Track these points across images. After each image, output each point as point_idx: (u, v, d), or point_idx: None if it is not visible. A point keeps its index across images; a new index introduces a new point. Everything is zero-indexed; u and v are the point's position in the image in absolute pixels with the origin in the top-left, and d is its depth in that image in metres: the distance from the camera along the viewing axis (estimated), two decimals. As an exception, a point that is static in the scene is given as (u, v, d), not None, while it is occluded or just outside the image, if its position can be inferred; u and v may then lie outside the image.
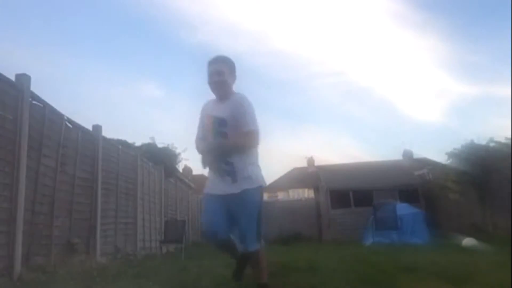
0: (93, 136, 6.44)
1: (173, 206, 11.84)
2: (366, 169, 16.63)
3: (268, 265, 2.92)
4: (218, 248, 2.87)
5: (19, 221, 4.17)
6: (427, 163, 17.07)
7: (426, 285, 3.58)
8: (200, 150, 2.71)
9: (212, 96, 2.81)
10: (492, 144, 11.21)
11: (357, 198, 15.45)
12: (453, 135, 38.51)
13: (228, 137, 2.59)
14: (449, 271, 4.17)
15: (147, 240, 8.91)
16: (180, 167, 15.40)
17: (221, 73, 2.67)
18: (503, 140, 10.72)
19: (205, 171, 2.78)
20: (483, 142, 11.44)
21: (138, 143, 11.76)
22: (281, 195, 20.04)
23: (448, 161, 12.55)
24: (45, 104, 4.97)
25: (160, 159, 10.84)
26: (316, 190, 17.06)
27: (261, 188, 2.68)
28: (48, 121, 5.00)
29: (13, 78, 4.45)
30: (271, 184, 29.34)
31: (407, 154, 20.14)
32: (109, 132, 7.38)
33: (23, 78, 4.52)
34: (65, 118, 5.46)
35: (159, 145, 11.99)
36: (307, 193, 17.78)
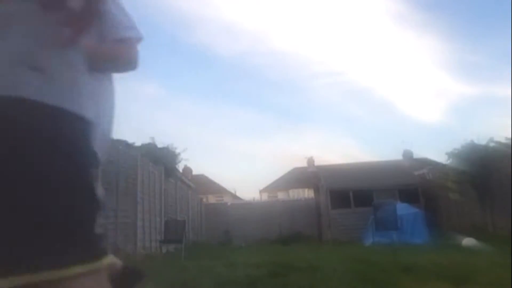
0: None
1: (173, 206, 11.84)
2: (366, 169, 16.63)
3: (268, 265, 2.93)
4: None
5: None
6: (427, 163, 17.09)
7: (426, 285, 3.58)
8: None
9: None
10: (492, 144, 11.22)
11: (357, 198, 15.46)
12: (453, 135, 38.54)
13: None
14: (449, 271, 4.17)
15: (147, 240, 8.91)
16: (180, 167, 15.41)
17: None
18: (503, 140, 10.73)
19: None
20: (483, 142, 11.46)
21: (138, 143, 11.75)
22: (281, 195, 20.07)
23: (448, 161, 12.55)
24: (45, 104, 4.97)
25: (160, 159, 10.85)
26: (316, 190, 17.07)
27: None
28: (48, 121, 5.01)
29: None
30: (271, 184, 29.42)
31: (407, 154, 20.15)
32: (109, 132, 7.39)
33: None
34: (65, 118, 5.46)
35: (159, 145, 12.00)
36: (307, 193, 17.80)
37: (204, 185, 25.67)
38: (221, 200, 25.38)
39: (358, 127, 39.36)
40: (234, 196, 28.55)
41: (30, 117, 0.58)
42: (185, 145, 11.61)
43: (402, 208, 11.80)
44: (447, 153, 12.39)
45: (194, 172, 26.02)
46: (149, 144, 11.79)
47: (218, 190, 28.50)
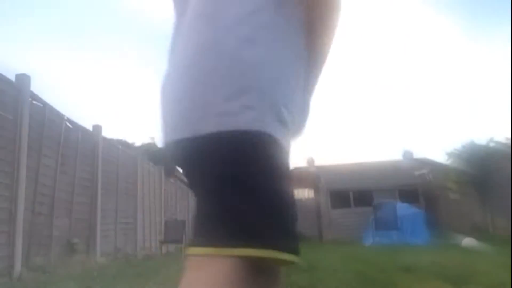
0: (93, 136, 6.44)
1: (173, 206, 11.84)
2: (366, 169, 16.63)
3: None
4: None
5: (19, 221, 4.17)
6: (427, 163, 17.07)
7: (426, 285, 3.58)
8: None
9: None
10: (492, 144, 11.23)
11: (357, 198, 15.47)
12: (453, 135, 38.54)
13: None
14: (449, 271, 4.17)
15: (147, 240, 8.91)
16: (180, 167, 15.38)
17: None
18: (503, 140, 10.74)
19: None
20: (483, 142, 11.47)
21: (138, 143, 11.78)
22: (281, 195, 20.01)
23: (448, 161, 12.56)
24: (45, 104, 4.97)
25: (160, 159, 10.86)
26: (316, 190, 17.06)
27: None
28: (48, 121, 5.00)
29: (13, 78, 4.45)
30: (271, 184, 29.33)
31: (407, 154, 20.15)
32: (109, 132, 7.40)
33: (23, 78, 4.53)
34: (65, 118, 5.46)
35: (159, 145, 12.00)
36: (307, 193, 17.78)
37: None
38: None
39: (358, 127, 39.36)
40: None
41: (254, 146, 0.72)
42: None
43: (402, 208, 11.81)
44: (447, 153, 12.42)
45: (194, 172, 26.00)
46: (149, 144, 11.81)
47: (218, 190, 28.46)
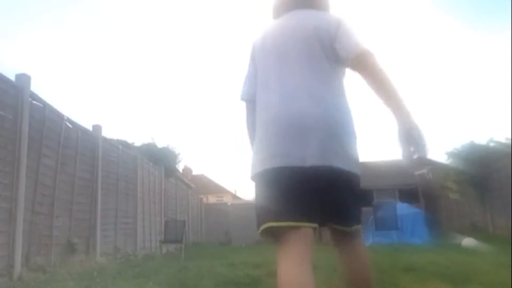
0: (93, 136, 6.44)
1: (173, 206, 11.84)
2: (366, 169, 16.55)
3: (268, 265, 2.92)
4: None
5: (19, 221, 4.17)
6: (427, 163, 17.07)
7: (426, 285, 3.58)
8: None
9: None
10: (492, 144, 11.21)
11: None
12: (453, 135, 38.51)
13: None
14: (449, 271, 4.17)
15: (147, 240, 8.91)
16: (180, 167, 15.41)
17: None
18: (503, 140, 10.73)
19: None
20: (483, 142, 11.46)
21: (138, 143, 11.76)
22: (281, 195, 19.97)
23: (448, 161, 12.55)
24: (45, 104, 4.97)
25: (160, 159, 10.85)
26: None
27: None
28: (48, 121, 5.00)
29: (13, 78, 4.45)
30: (271, 184, 29.31)
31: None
32: (109, 132, 7.40)
33: (23, 78, 4.52)
34: (65, 118, 5.46)
35: (159, 145, 12.00)
36: (307, 193, 17.80)
37: (204, 185, 25.67)
38: (221, 200, 25.37)
39: (358, 127, 39.31)
40: (234, 196, 28.55)
41: (342, 178, 1.40)
42: (185, 145, 11.53)
43: (402, 208, 11.81)
44: (447, 153, 12.40)
45: (194, 172, 26.04)
46: (149, 144, 11.79)
47: (218, 190, 28.50)
